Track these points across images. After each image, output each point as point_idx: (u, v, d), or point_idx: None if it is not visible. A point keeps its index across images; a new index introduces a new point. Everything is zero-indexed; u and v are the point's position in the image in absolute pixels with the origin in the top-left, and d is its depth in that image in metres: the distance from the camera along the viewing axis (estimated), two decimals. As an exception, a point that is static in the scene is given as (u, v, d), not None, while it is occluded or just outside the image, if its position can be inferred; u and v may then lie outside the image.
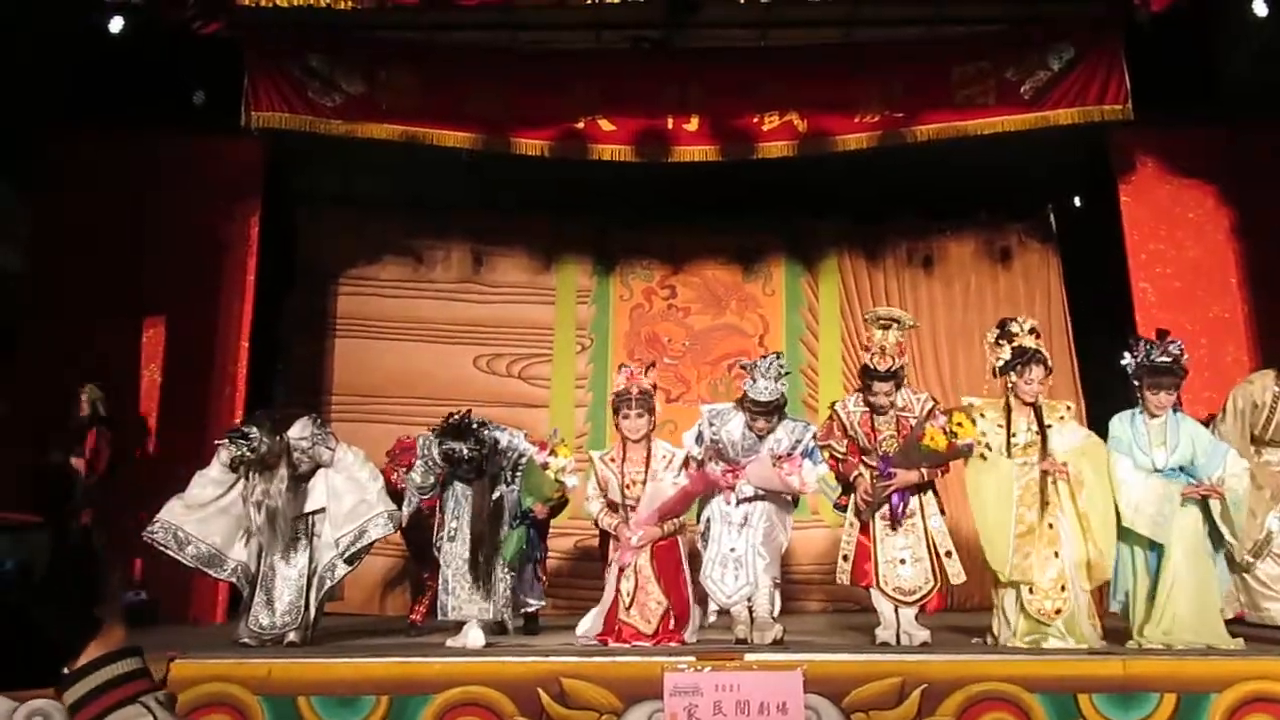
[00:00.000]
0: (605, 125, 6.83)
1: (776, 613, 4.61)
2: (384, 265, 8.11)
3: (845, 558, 4.67)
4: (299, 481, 4.77)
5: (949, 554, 4.54)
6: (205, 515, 4.75)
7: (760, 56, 6.90)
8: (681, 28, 6.68)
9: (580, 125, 6.79)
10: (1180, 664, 3.94)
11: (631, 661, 4.06)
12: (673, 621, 4.46)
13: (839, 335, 8.04)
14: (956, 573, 4.53)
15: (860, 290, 8.19)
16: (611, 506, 4.62)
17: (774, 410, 4.57)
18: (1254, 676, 3.82)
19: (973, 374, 7.26)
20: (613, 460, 4.65)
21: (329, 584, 4.78)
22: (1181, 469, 4.42)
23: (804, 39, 6.83)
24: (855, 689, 3.85)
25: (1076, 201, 7.85)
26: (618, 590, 4.48)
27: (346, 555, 4.76)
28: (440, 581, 4.74)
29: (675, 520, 4.58)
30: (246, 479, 4.73)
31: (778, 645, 4.42)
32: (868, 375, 4.67)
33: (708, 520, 4.68)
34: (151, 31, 6.07)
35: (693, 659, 3.97)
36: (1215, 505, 4.36)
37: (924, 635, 4.48)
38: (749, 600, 4.54)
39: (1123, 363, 4.58)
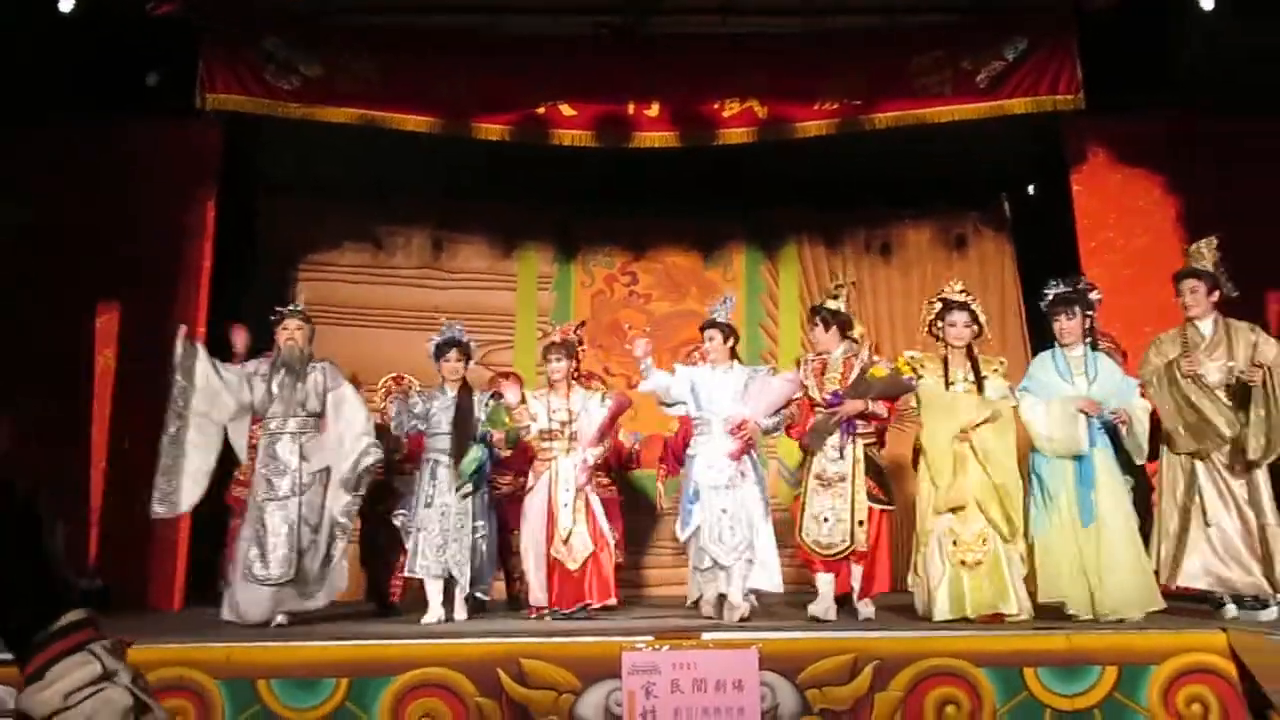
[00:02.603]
0: (566, 110, 6.83)
1: (765, 584, 4.84)
2: (344, 251, 8.08)
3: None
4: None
5: (861, 524, 4.89)
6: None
7: (721, 44, 6.94)
8: (643, 14, 6.71)
9: (541, 110, 6.79)
10: (1122, 637, 4.08)
11: (590, 642, 4.13)
12: (594, 567, 5.05)
13: (798, 321, 8.12)
14: (861, 541, 4.87)
15: (820, 277, 8.28)
16: (545, 435, 5.22)
17: (724, 330, 5.09)
18: (1192, 649, 3.97)
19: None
20: (538, 397, 5.31)
21: (343, 522, 4.96)
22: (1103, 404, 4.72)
23: (765, 26, 6.88)
24: (809, 666, 3.95)
25: (1030, 190, 8.00)
26: (555, 525, 5.04)
27: (350, 483, 4.91)
28: (411, 546, 5.11)
29: (606, 443, 5.38)
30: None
31: (744, 623, 4.65)
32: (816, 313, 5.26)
33: (694, 490, 4.87)
34: (104, 13, 5.98)
35: (650, 638, 4.04)
36: (1123, 431, 4.70)
37: (868, 612, 4.89)
38: (745, 564, 4.75)
39: (1041, 304, 5.08)
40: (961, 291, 4.99)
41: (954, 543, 4.65)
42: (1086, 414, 4.63)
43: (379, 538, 5.73)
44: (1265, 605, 4.59)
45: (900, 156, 7.47)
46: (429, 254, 8.17)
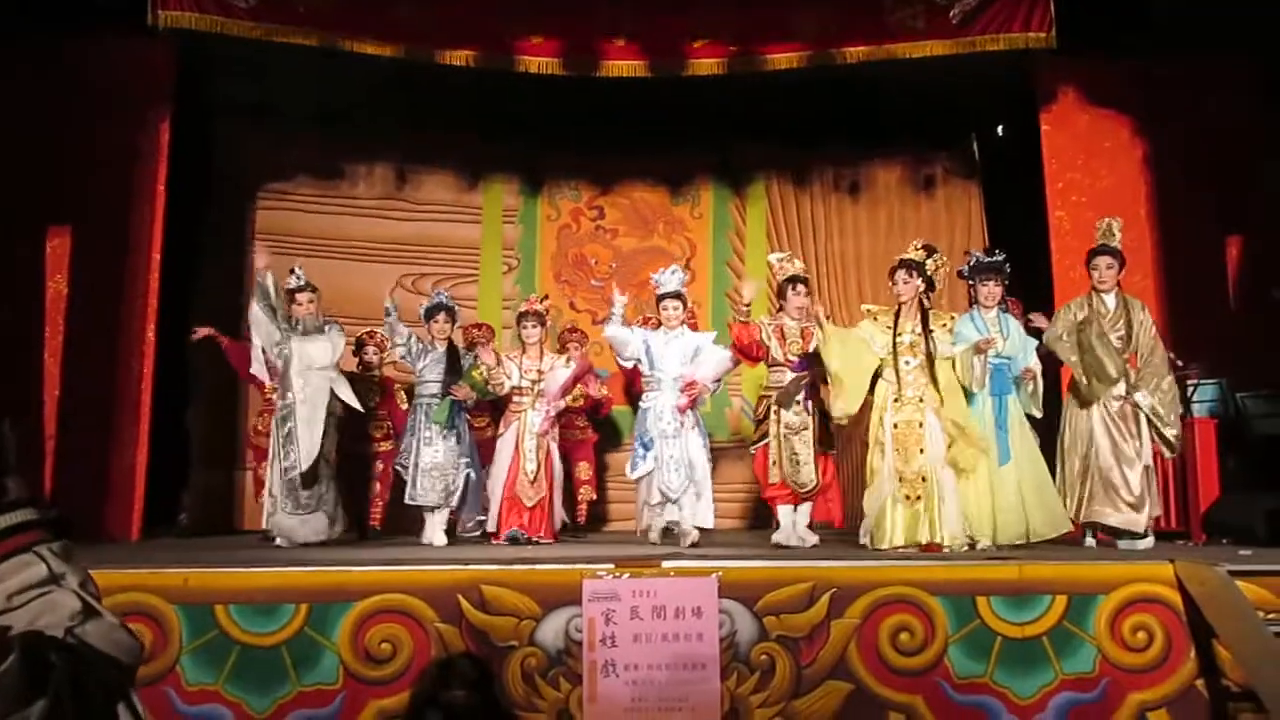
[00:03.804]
0: (534, 39, 6.69)
1: (703, 521, 5.44)
2: (304, 180, 7.90)
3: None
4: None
5: (806, 464, 5.44)
6: None
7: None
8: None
9: (507, 39, 6.64)
10: (1071, 567, 4.17)
11: (551, 569, 4.16)
12: (545, 506, 5.74)
13: (765, 259, 8.10)
14: (813, 477, 5.43)
15: (787, 215, 8.27)
16: (517, 391, 5.88)
17: (683, 300, 5.74)
18: (1139, 579, 4.07)
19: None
20: (513, 357, 5.97)
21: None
22: (1011, 359, 5.37)
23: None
24: (768, 594, 4.01)
25: (999, 131, 7.98)
26: (519, 466, 5.72)
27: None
28: (410, 479, 5.81)
29: (569, 396, 6.09)
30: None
31: (694, 548, 5.11)
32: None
33: (647, 438, 5.47)
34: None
35: (611, 566, 4.07)
36: (1028, 387, 5.31)
37: (814, 539, 5.41)
38: (693, 498, 5.38)
39: (960, 271, 5.71)
40: (923, 249, 5.31)
41: (900, 479, 4.98)
42: (982, 351, 5.17)
43: (363, 471, 6.32)
44: (1144, 536, 5.12)
45: (870, 96, 7.43)
46: (392, 185, 8.02)
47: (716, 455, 6.67)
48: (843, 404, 5.13)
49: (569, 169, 8.20)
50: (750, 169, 8.29)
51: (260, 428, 6.33)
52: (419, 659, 3.88)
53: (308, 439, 5.42)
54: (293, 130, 7.76)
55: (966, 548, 4.91)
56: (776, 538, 5.43)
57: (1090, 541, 5.26)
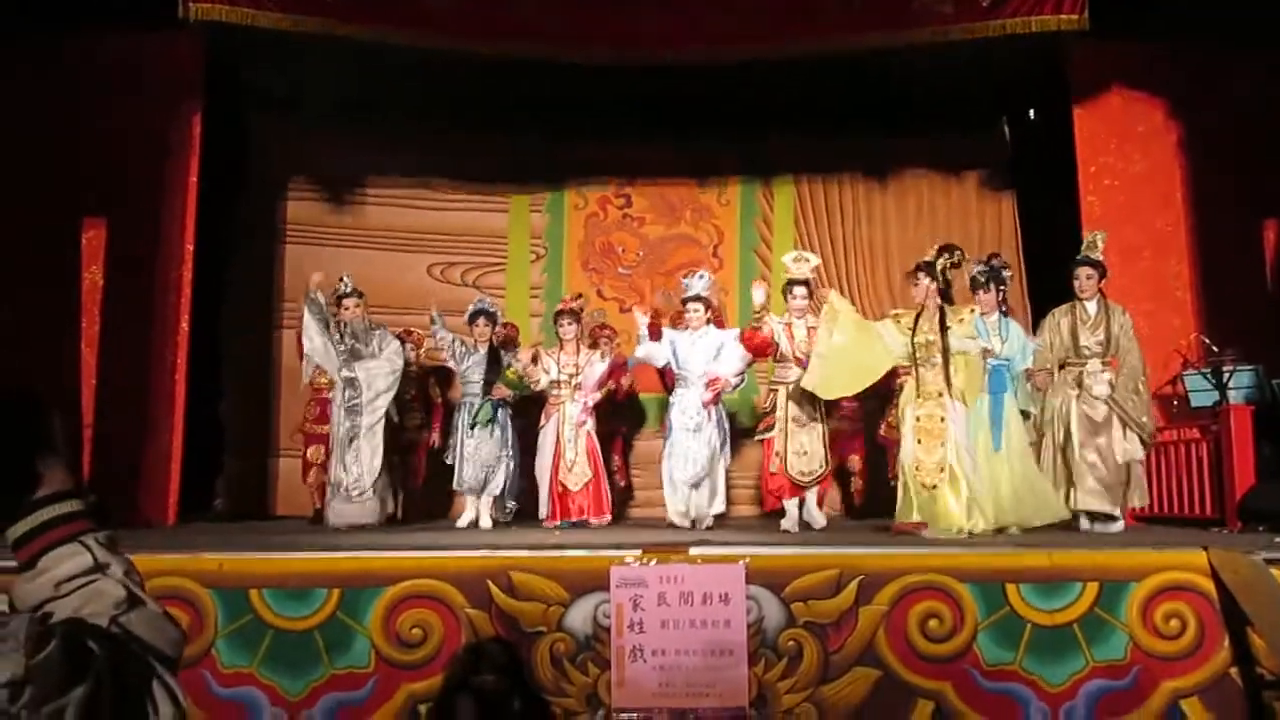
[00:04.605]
0: (559, 28, 6.67)
1: (715, 509, 5.97)
2: (333, 171, 7.96)
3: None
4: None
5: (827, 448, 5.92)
6: None
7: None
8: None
9: (534, 27, 6.63)
10: (1103, 555, 4.12)
11: (580, 555, 4.17)
12: (593, 488, 6.21)
13: (792, 247, 8.04)
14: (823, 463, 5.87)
15: (815, 202, 8.22)
16: (555, 385, 6.31)
17: (706, 303, 6.14)
18: (1171, 567, 4.01)
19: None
20: (552, 354, 6.43)
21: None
22: (1010, 360, 5.77)
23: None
24: (795, 580, 3.99)
25: (1031, 115, 7.87)
26: (561, 455, 6.19)
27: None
28: (456, 469, 6.26)
29: (605, 388, 6.50)
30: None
31: (710, 530, 5.64)
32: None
33: (672, 431, 5.99)
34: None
35: (639, 553, 4.08)
36: (1025, 385, 5.70)
37: (822, 521, 5.86)
38: (708, 488, 5.92)
39: (969, 275, 6.02)
40: (944, 253, 5.42)
41: (917, 468, 5.18)
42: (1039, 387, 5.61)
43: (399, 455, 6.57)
44: (1115, 520, 5.45)
45: (898, 81, 7.34)
46: (420, 175, 8.06)
47: (740, 442, 7.05)
48: (816, 381, 5.35)
49: (596, 158, 8.18)
50: (777, 156, 8.23)
51: (309, 416, 6.70)
52: (449, 644, 3.91)
53: (369, 457, 5.89)
54: (321, 121, 7.80)
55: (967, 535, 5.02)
56: (785, 525, 5.72)
57: (1085, 525, 5.49)
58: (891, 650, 3.94)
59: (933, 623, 3.96)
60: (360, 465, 5.86)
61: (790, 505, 5.81)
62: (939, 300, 5.32)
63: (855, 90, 7.45)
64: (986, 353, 5.52)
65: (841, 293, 7.60)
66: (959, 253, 5.47)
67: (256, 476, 7.50)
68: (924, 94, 7.55)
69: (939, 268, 5.36)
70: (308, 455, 6.66)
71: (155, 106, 6.56)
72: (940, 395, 5.20)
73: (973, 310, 5.54)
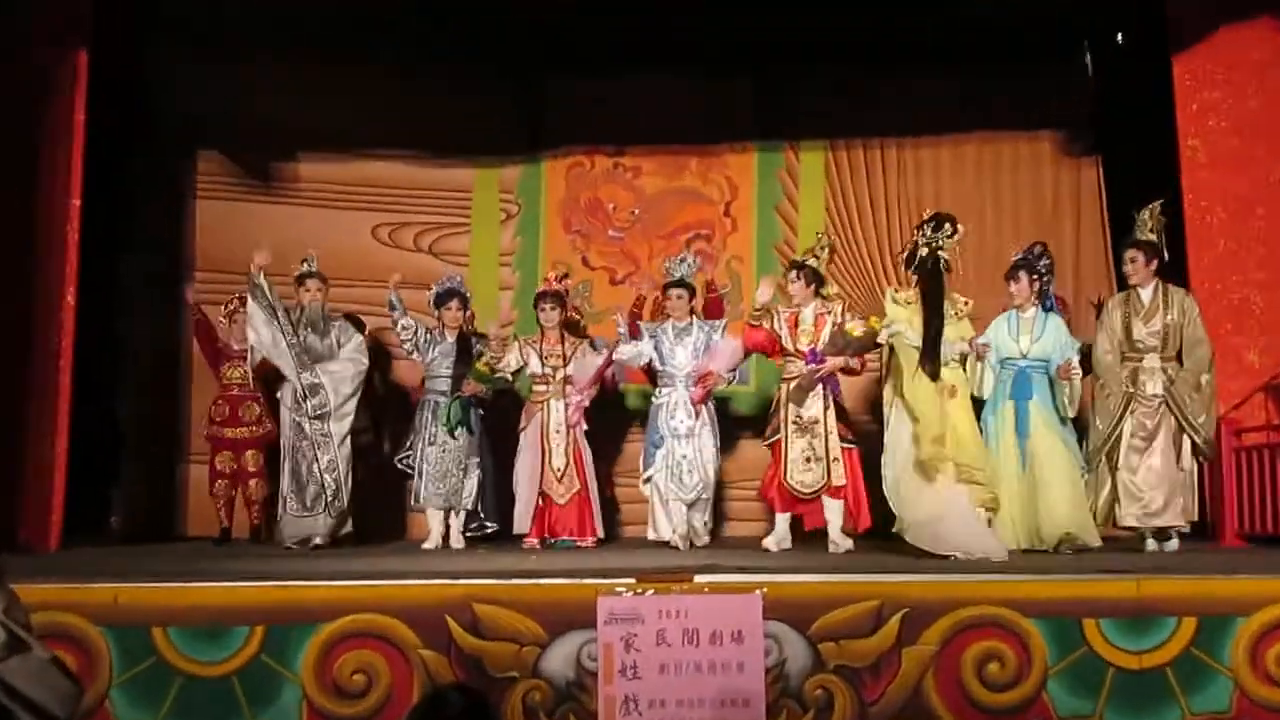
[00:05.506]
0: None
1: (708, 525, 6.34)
2: (260, 114, 7.86)
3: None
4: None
5: (836, 460, 5.97)
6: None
7: None
8: None
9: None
10: (1203, 583, 4.16)
11: (560, 584, 4.19)
12: (581, 503, 6.34)
13: (823, 204, 8.07)
14: (838, 475, 5.95)
15: (851, 151, 8.21)
16: (537, 379, 6.47)
17: (691, 289, 6.42)
18: (1287, 599, 4.05)
19: (984, 249, 7.38)
20: (533, 343, 6.55)
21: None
22: (1046, 361, 5.94)
23: None
24: (824, 614, 4.02)
25: (1119, 39, 7.82)
26: (547, 462, 6.33)
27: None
28: (416, 479, 6.40)
29: (595, 388, 6.50)
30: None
31: (708, 548, 6.00)
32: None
33: (659, 436, 6.25)
34: None
35: (632, 580, 4.10)
36: (1065, 387, 5.87)
37: (848, 544, 5.88)
38: (705, 497, 6.23)
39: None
40: (950, 236, 5.72)
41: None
42: (981, 357, 5.85)
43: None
44: (1170, 538, 5.73)
45: (953, 3, 7.29)
46: (366, 116, 7.98)
47: (746, 448, 7.34)
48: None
49: (580, 93, 8.13)
50: (806, 94, 8.13)
51: (215, 418, 6.87)
52: (399, 693, 3.95)
53: (343, 467, 6.29)
54: (241, 54, 7.71)
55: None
56: (767, 543, 5.96)
57: (1152, 544, 5.69)
58: (942, 700, 3.98)
59: (993, 666, 3.99)
60: (332, 476, 6.21)
61: (781, 520, 6.07)
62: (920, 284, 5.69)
63: (900, 14, 7.35)
64: (979, 354, 5.81)
65: (881, 261, 7.90)
66: (948, 224, 5.73)
67: (161, 488, 7.51)
68: (984, 17, 7.44)
69: (919, 244, 5.72)
70: (215, 463, 6.89)
71: (33, 38, 6.50)
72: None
73: (967, 302, 5.87)
